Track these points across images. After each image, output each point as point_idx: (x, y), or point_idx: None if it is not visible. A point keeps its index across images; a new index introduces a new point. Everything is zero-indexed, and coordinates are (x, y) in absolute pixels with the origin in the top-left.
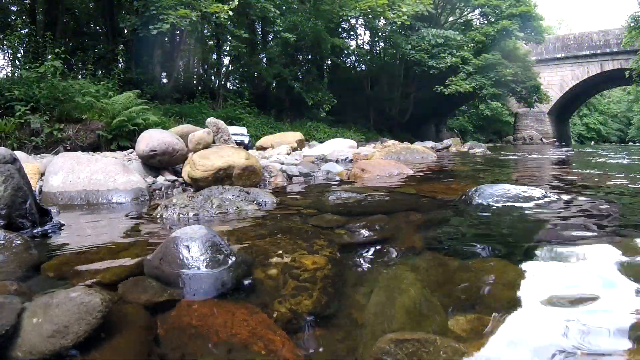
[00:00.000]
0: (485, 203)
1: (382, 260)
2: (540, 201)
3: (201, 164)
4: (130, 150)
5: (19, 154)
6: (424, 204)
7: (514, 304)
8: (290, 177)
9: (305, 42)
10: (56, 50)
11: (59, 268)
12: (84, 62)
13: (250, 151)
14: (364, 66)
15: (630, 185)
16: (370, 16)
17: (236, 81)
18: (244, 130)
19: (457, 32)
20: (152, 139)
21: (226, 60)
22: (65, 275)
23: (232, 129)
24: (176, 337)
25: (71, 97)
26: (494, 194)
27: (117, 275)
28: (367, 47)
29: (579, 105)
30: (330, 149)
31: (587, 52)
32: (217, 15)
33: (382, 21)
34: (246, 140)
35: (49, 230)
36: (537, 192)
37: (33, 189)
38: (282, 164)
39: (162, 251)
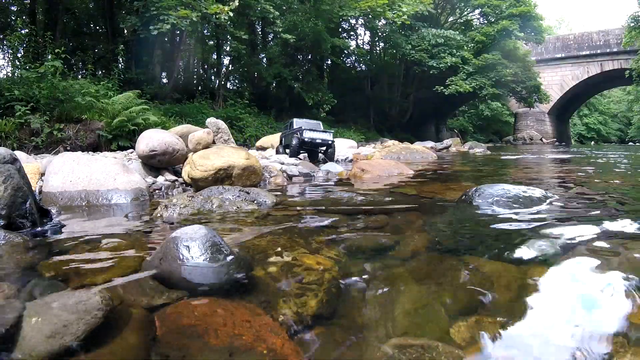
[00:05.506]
0: (485, 203)
1: (382, 261)
2: (540, 201)
3: (201, 164)
4: (131, 150)
5: (19, 154)
6: (424, 204)
7: (514, 305)
8: (290, 177)
9: (305, 42)
10: (56, 50)
11: (59, 268)
12: (84, 62)
13: (250, 151)
14: (364, 66)
15: (628, 185)
16: (370, 16)
17: (236, 81)
18: (321, 129)
19: (457, 32)
20: (152, 139)
21: (226, 61)
22: (65, 275)
23: (302, 123)
24: (176, 337)
25: (71, 97)
26: (494, 194)
27: (117, 275)
28: (367, 47)
29: (579, 105)
30: None
31: (587, 52)
32: (217, 15)
33: (382, 21)
34: (329, 138)
35: (49, 230)
36: (537, 192)
37: (33, 189)
38: (282, 164)
39: (162, 251)
